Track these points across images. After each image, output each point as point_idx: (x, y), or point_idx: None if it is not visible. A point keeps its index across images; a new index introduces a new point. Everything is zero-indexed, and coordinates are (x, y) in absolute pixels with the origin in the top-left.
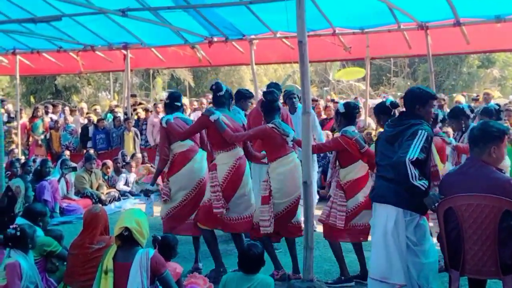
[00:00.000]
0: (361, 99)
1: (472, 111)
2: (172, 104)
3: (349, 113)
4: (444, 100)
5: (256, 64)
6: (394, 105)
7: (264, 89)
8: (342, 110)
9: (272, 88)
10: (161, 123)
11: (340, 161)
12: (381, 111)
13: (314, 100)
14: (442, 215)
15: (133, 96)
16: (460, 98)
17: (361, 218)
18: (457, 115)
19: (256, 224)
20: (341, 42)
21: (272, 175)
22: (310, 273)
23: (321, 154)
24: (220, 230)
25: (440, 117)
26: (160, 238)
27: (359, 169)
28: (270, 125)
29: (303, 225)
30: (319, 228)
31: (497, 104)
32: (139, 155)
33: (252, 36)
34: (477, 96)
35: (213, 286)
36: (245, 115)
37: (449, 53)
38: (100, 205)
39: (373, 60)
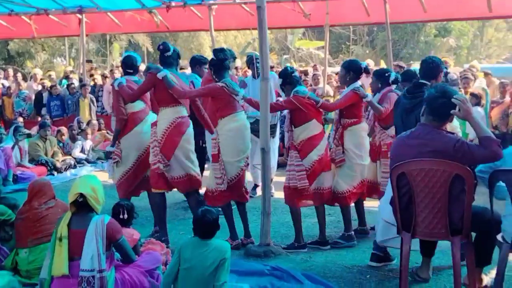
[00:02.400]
0: (320, 67)
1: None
2: (124, 70)
3: (287, 80)
4: (403, 68)
5: (215, 30)
6: (367, 70)
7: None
8: (280, 82)
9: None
10: (113, 85)
11: (293, 121)
12: (353, 69)
13: (272, 67)
14: (395, 179)
15: (89, 61)
16: (417, 66)
17: (320, 181)
18: (409, 78)
19: (211, 191)
20: (300, 9)
21: (221, 131)
22: (267, 237)
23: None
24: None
25: (392, 77)
26: (124, 205)
27: (312, 128)
28: (220, 84)
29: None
30: (276, 194)
31: (445, 67)
32: (95, 121)
33: (211, 1)
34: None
35: (170, 252)
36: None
37: (406, 21)
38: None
39: (333, 28)
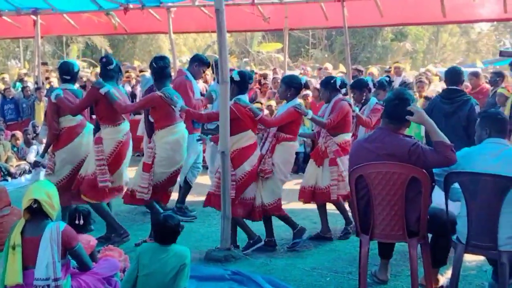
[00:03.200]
0: (280, 70)
1: (374, 85)
2: (61, 76)
3: (243, 82)
4: (361, 71)
5: (174, 33)
6: (307, 86)
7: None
8: (236, 78)
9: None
10: (49, 97)
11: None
12: (293, 86)
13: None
14: (354, 182)
15: (44, 64)
16: (374, 70)
17: (250, 192)
18: (360, 86)
19: (134, 190)
20: (260, 13)
21: (158, 143)
22: (228, 242)
23: None
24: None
25: (338, 83)
26: (80, 210)
27: (247, 138)
28: (159, 93)
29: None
30: None
31: (388, 76)
32: None
33: (170, 4)
34: (389, 68)
35: (128, 258)
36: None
37: (364, 26)
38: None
39: (292, 32)
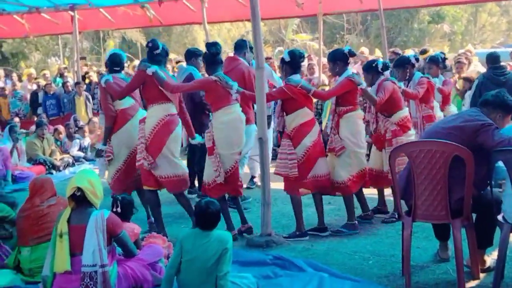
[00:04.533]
0: (315, 57)
1: (417, 60)
2: (111, 68)
3: (294, 62)
4: (399, 54)
5: (208, 23)
6: (352, 53)
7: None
8: (287, 59)
9: (239, 43)
10: (99, 83)
11: (285, 109)
12: (338, 58)
13: (268, 58)
14: (394, 162)
15: (83, 58)
16: (410, 53)
17: (318, 168)
18: (402, 64)
19: (209, 183)
20: None
21: (215, 124)
22: (268, 228)
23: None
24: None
25: (380, 65)
26: (119, 198)
27: (303, 114)
28: (213, 77)
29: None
30: (273, 185)
31: (442, 53)
32: (95, 119)
33: None
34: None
35: (172, 245)
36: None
37: (400, 7)
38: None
39: (326, 18)
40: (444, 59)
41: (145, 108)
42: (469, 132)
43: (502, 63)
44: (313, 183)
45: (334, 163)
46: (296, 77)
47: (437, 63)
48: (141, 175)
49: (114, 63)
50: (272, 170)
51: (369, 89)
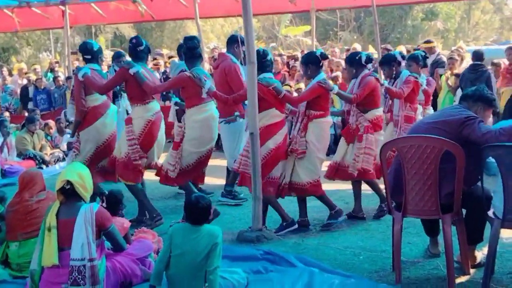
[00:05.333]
0: None
1: (403, 57)
2: (83, 57)
3: (260, 62)
4: (390, 50)
5: (200, 18)
6: (324, 56)
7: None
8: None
9: (230, 38)
10: (76, 76)
11: None
12: (310, 61)
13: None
14: (385, 157)
15: (74, 53)
16: (402, 49)
17: (277, 170)
18: (388, 61)
19: (166, 170)
20: None
21: (187, 122)
22: (259, 222)
23: None
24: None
25: (364, 58)
26: (106, 192)
27: (271, 116)
28: (188, 73)
29: None
30: None
31: (423, 51)
32: None
33: None
34: (418, 46)
35: (161, 240)
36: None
37: (393, 3)
38: (37, 168)
39: (319, 14)
40: (425, 57)
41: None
42: (454, 126)
43: (480, 62)
44: (272, 184)
45: (294, 164)
46: (269, 77)
47: (417, 60)
48: (118, 169)
49: (84, 51)
50: None
51: (352, 82)
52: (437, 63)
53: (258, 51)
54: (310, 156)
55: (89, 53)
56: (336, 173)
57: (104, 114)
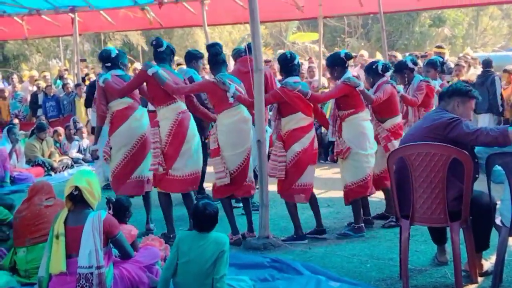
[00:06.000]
0: (316, 60)
1: (415, 64)
2: (103, 66)
3: (284, 66)
4: (395, 57)
5: (208, 25)
6: (349, 56)
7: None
8: (278, 65)
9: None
10: (98, 82)
11: (280, 111)
12: (336, 63)
13: (267, 61)
14: (393, 165)
15: (83, 60)
16: (397, 55)
17: (307, 177)
18: (400, 68)
19: (214, 184)
20: (293, 1)
21: (219, 127)
22: (266, 230)
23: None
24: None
25: (380, 67)
26: (113, 200)
27: (297, 120)
28: (212, 79)
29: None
30: (271, 187)
31: (441, 56)
32: None
33: None
34: (426, 53)
35: (169, 247)
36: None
37: (400, 11)
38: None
39: (327, 21)
40: (443, 63)
41: (145, 106)
42: (440, 131)
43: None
44: (300, 191)
45: (342, 167)
46: (294, 81)
47: (435, 66)
48: (154, 179)
49: (103, 60)
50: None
51: (363, 84)
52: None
53: (285, 55)
54: (353, 155)
55: (108, 60)
56: (377, 183)
57: (131, 116)
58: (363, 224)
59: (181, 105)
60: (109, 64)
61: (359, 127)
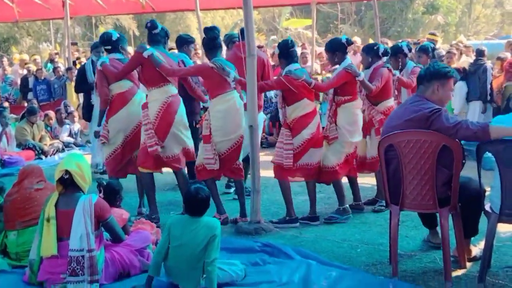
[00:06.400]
0: (309, 46)
1: (410, 49)
2: (104, 49)
3: (284, 52)
4: (387, 43)
5: (201, 10)
6: (350, 42)
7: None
8: (277, 52)
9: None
10: (96, 65)
11: (286, 100)
12: (337, 48)
13: (260, 47)
14: (383, 152)
15: (74, 44)
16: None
17: (309, 157)
18: (395, 52)
19: (200, 165)
20: None
21: (211, 112)
22: (258, 215)
23: (268, 101)
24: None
25: (381, 50)
26: (104, 183)
27: (304, 106)
28: (210, 63)
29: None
30: (263, 172)
31: (433, 42)
32: None
33: None
34: (419, 40)
35: (160, 231)
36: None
37: None
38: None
39: (320, 7)
40: (434, 48)
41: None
42: (421, 123)
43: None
44: (302, 171)
45: (325, 149)
46: (295, 69)
47: (427, 52)
48: (138, 158)
49: (104, 42)
50: (261, 158)
51: (364, 71)
52: (437, 57)
53: (286, 41)
54: (341, 140)
55: (109, 43)
56: (361, 166)
57: (131, 101)
58: (347, 206)
59: (172, 88)
60: (109, 47)
61: (353, 115)
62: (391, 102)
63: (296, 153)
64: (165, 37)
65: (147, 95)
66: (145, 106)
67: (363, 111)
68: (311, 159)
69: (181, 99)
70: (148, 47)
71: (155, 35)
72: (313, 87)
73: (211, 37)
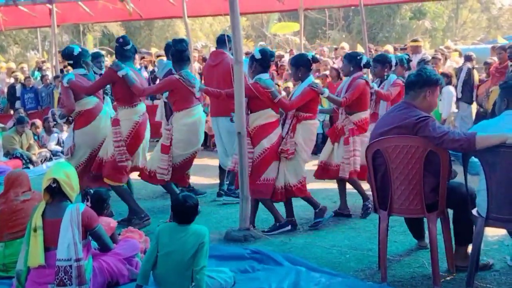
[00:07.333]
0: (296, 52)
1: (396, 64)
2: (68, 63)
3: (264, 60)
4: (376, 50)
5: (188, 17)
6: (315, 60)
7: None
8: (258, 56)
9: (221, 38)
10: (61, 83)
11: (249, 107)
12: (301, 64)
13: (248, 53)
14: (371, 157)
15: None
16: (389, 48)
17: (271, 172)
18: (384, 61)
19: (152, 171)
20: None
21: (176, 125)
22: (247, 222)
23: None
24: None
25: (364, 61)
26: (91, 192)
27: (267, 116)
28: (177, 76)
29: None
30: None
31: (407, 54)
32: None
33: None
34: (406, 45)
35: (148, 240)
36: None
37: (380, 3)
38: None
39: (308, 13)
40: (409, 60)
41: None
42: (409, 130)
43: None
44: (264, 187)
45: (283, 166)
46: (266, 78)
47: (402, 63)
48: (107, 173)
49: (66, 58)
50: None
51: (344, 80)
52: (423, 62)
53: (265, 51)
54: (297, 157)
55: (70, 58)
56: (325, 172)
57: (98, 117)
58: (322, 206)
59: (143, 106)
60: (71, 62)
61: (311, 133)
62: (366, 114)
63: (256, 163)
64: (134, 53)
65: (116, 111)
66: (116, 123)
67: (337, 118)
68: (271, 174)
69: (148, 116)
70: (121, 64)
71: (126, 51)
72: (277, 102)
73: (179, 49)
